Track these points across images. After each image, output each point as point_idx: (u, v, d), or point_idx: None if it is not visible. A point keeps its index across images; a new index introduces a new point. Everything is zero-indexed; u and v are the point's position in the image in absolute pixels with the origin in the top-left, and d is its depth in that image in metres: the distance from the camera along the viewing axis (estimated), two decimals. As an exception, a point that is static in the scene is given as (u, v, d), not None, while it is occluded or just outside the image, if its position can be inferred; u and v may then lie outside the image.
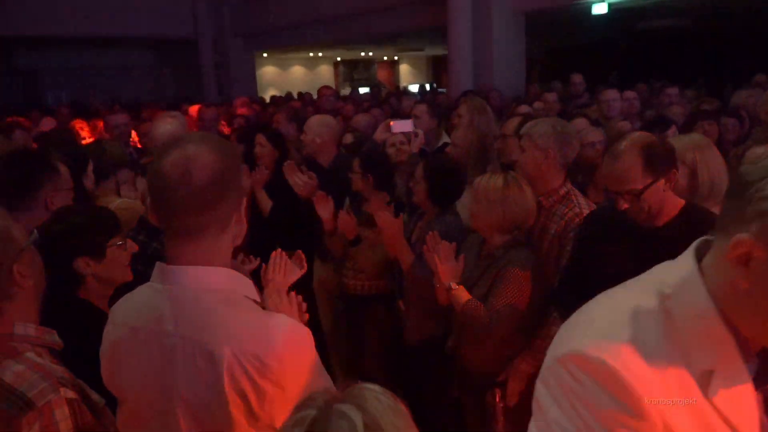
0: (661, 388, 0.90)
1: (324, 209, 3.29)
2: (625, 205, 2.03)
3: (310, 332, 1.26)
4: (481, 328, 2.47)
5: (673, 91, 5.45)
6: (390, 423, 0.87)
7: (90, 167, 2.97)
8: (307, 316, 1.65)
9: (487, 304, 2.45)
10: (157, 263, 1.28)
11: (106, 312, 1.89)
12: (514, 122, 3.35)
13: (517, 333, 2.53)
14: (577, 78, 6.73)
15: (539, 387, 1.00)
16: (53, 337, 1.41)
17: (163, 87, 18.21)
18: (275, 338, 1.19)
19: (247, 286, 1.30)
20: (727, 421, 0.91)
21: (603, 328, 0.96)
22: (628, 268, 1.93)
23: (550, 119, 2.72)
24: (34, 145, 4.45)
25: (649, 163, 2.00)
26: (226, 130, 6.23)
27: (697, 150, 2.48)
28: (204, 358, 1.18)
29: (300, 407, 0.92)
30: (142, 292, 1.32)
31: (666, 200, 2.05)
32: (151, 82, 18.38)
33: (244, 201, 1.30)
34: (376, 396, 0.90)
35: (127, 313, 1.32)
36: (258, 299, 1.31)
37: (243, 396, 1.17)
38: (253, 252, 2.37)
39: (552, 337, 2.46)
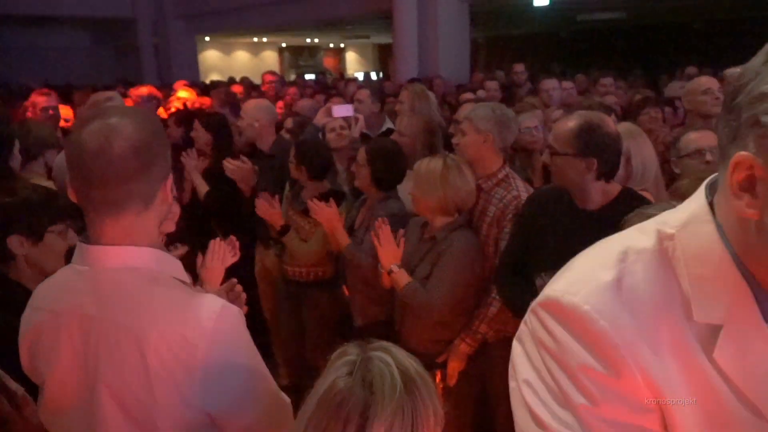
0: (647, 341, 0.74)
1: (262, 210, 3.24)
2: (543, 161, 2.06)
3: (241, 312, 1.23)
4: (420, 310, 2.49)
5: (608, 80, 5.61)
6: (414, 369, 1.07)
7: (16, 147, 2.83)
8: (246, 308, 1.60)
9: (427, 285, 2.48)
10: (78, 243, 1.23)
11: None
12: (467, 108, 3.37)
13: (457, 315, 2.57)
14: (519, 67, 6.85)
15: (514, 345, 0.86)
16: None
17: (99, 70, 17.51)
18: (203, 318, 1.15)
19: (175, 266, 1.26)
20: (732, 385, 0.73)
21: (583, 272, 0.81)
22: (567, 245, 1.99)
23: (490, 104, 2.76)
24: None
25: (579, 137, 2.05)
26: (164, 114, 6.03)
27: (631, 138, 2.56)
28: (129, 340, 1.14)
29: (338, 356, 1.09)
30: (63, 274, 1.27)
31: (588, 183, 2.10)
32: (87, 65, 17.63)
33: (170, 180, 1.24)
34: (398, 350, 1.10)
35: (47, 297, 1.26)
36: (186, 280, 1.27)
37: (172, 378, 1.13)
38: (189, 238, 2.32)
39: (491, 319, 2.54)
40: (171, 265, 1.25)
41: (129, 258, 1.19)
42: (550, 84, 4.87)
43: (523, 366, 0.82)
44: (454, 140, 2.71)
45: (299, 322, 3.44)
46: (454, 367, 2.59)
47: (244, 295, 1.72)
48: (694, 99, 3.57)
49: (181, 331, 1.13)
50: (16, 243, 1.80)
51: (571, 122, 2.10)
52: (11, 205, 1.83)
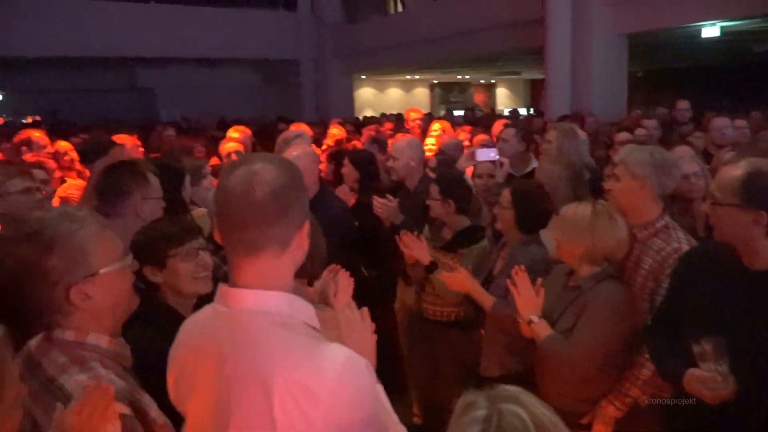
0: None
1: (409, 247, 3.21)
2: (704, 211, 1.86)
3: (368, 364, 1.21)
4: (561, 365, 2.35)
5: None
6: (548, 420, 0.98)
7: (187, 180, 3.11)
8: (375, 337, 1.57)
9: (570, 339, 2.33)
10: (219, 284, 1.29)
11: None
12: (624, 150, 3.17)
13: (603, 373, 2.38)
14: (683, 104, 6.37)
15: None
16: (124, 351, 1.45)
17: (265, 106, 19.04)
18: (328, 368, 1.14)
19: (307, 311, 1.27)
20: None
21: None
22: (730, 309, 1.77)
23: (648, 147, 2.57)
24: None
25: (746, 186, 1.83)
26: (318, 151, 6.34)
27: None
28: (256, 385, 1.16)
29: (465, 409, 1.01)
30: (204, 312, 1.34)
31: (755, 239, 1.86)
32: (255, 102, 19.26)
33: (306, 226, 1.27)
34: (528, 397, 1.01)
35: (191, 332, 1.34)
36: (318, 326, 1.28)
37: (293, 426, 1.13)
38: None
39: (644, 381, 2.32)
40: (303, 310, 1.26)
41: (263, 301, 1.23)
42: (721, 122, 4.47)
43: None
44: (606, 185, 2.54)
45: (434, 361, 3.40)
46: (600, 431, 2.39)
47: (373, 325, 1.62)
48: None
49: (304, 380, 1.13)
50: (149, 273, 1.99)
51: (738, 170, 1.88)
52: (138, 240, 2.04)
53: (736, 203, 1.86)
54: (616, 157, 2.57)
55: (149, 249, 2.00)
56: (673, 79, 17.52)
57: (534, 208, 2.89)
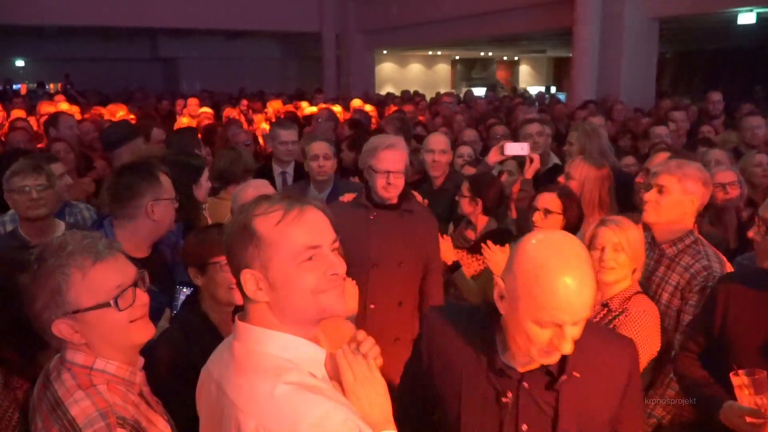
0: None
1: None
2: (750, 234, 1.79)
3: (345, 422, 1.15)
4: None
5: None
6: None
7: (203, 177, 3.08)
8: (381, 361, 1.38)
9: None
10: (236, 318, 1.30)
11: (217, 330, 1.98)
12: (662, 159, 3.08)
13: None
14: (715, 96, 6.19)
15: None
16: (133, 378, 1.44)
17: (286, 79, 18.93)
18: (302, 424, 1.12)
19: (313, 361, 1.25)
20: None
21: None
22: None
23: (694, 163, 2.47)
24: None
25: None
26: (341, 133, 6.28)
27: None
28: (235, 423, 1.18)
29: None
30: (225, 341, 1.35)
31: None
32: (276, 75, 19.16)
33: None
34: None
35: (212, 357, 1.37)
36: (321, 373, 1.25)
37: None
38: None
39: (667, 401, 2.24)
40: (308, 358, 1.24)
41: (263, 341, 1.23)
42: (754, 121, 4.34)
43: None
44: (645, 196, 2.44)
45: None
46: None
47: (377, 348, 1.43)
48: None
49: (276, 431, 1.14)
50: (191, 274, 2.06)
51: None
52: (188, 240, 2.14)
53: None
54: (658, 167, 2.48)
55: (193, 252, 2.07)
56: (704, 62, 17.01)
57: (579, 213, 2.84)
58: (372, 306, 2.69)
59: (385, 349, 2.35)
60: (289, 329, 1.23)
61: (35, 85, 16.80)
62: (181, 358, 1.89)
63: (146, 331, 1.46)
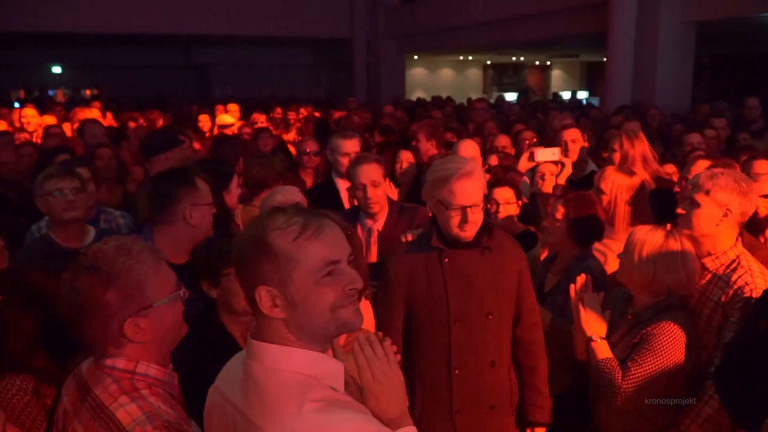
0: None
1: None
2: None
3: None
4: (605, 389, 2.24)
5: None
6: None
7: (233, 183, 3.09)
8: (399, 357, 1.41)
9: (624, 368, 2.22)
10: (249, 337, 1.27)
11: (236, 342, 1.97)
12: (699, 169, 2.99)
13: (658, 407, 2.26)
14: (753, 101, 6.01)
15: None
16: (172, 380, 1.47)
17: (317, 84, 19.08)
18: None
19: (333, 375, 1.23)
20: None
21: None
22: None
23: (732, 172, 2.38)
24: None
25: None
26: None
27: None
28: None
29: None
30: (235, 359, 1.33)
31: None
32: (307, 80, 19.32)
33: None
34: None
35: (222, 375, 1.35)
36: (342, 387, 1.23)
37: None
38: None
39: (705, 420, 2.18)
40: (329, 372, 1.22)
41: (282, 359, 1.20)
42: (795, 128, 4.18)
43: None
44: (680, 208, 2.37)
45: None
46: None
47: (395, 347, 1.41)
48: None
49: None
50: (205, 287, 2.04)
51: None
52: (197, 254, 2.11)
53: None
54: (693, 179, 2.40)
55: (206, 265, 2.04)
56: (741, 66, 16.59)
57: (590, 220, 2.77)
58: (457, 371, 2.23)
59: (480, 420, 2.33)
60: (306, 345, 1.20)
61: (71, 91, 17.26)
62: (199, 374, 1.85)
63: (184, 329, 1.50)
